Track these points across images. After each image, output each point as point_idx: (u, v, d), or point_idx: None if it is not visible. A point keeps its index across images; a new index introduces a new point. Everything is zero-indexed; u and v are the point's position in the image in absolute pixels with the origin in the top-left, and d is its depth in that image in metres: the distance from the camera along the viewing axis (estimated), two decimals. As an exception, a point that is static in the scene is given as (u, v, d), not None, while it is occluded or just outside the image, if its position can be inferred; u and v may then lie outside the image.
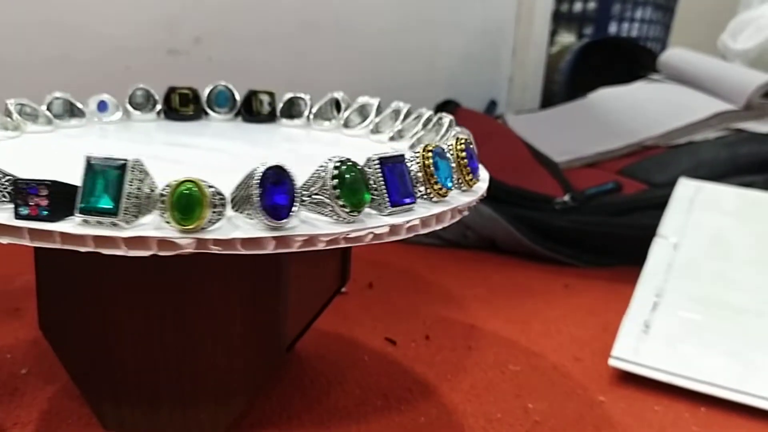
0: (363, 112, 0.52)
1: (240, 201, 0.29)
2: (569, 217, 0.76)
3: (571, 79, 1.24)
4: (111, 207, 0.28)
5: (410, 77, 1.08)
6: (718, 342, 0.53)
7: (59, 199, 0.28)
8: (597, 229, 0.75)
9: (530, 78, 1.23)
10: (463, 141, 0.37)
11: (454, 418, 0.45)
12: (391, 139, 0.49)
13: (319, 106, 0.53)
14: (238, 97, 0.53)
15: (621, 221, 0.75)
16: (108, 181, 0.28)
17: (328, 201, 0.30)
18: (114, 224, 0.28)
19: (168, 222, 0.28)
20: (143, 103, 0.51)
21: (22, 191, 0.28)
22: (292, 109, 0.54)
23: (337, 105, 0.53)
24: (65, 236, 0.28)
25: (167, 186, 0.28)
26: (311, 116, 0.53)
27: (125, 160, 0.28)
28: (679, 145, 0.88)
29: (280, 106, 0.54)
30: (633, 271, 0.63)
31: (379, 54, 1.03)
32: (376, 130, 0.50)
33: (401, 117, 0.49)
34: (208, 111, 0.53)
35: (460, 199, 0.36)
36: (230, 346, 0.38)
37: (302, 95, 0.53)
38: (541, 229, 0.76)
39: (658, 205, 0.72)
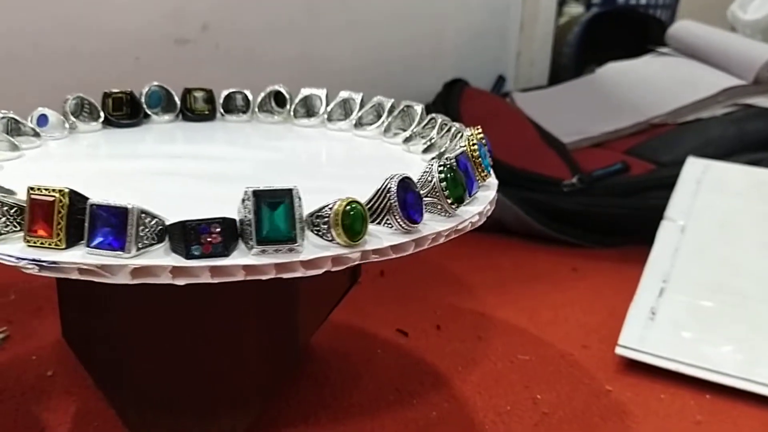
0: (308, 102, 0.53)
1: (376, 212, 0.31)
2: (577, 199, 0.77)
3: (579, 52, 1.23)
4: (291, 234, 0.29)
5: (418, 53, 1.08)
6: (724, 328, 0.54)
7: (228, 234, 0.29)
8: (605, 210, 0.76)
9: (538, 53, 1.22)
10: (479, 131, 0.40)
11: (464, 411, 0.46)
12: (355, 126, 0.51)
13: (260, 99, 0.54)
14: (177, 97, 0.53)
15: (628, 203, 0.76)
16: (279, 209, 0.29)
17: (438, 201, 0.33)
18: (291, 250, 0.29)
19: (331, 240, 0.30)
20: (77, 111, 0.49)
21: (193, 231, 0.28)
22: (230, 104, 0.54)
23: (276, 98, 0.54)
24: (249, 268, 0.29)
25: (327, 207, 0.30)
26: (256, 110, 0.54)
27: (290, 188, 0.29)
28: (686, 123, 0.88)
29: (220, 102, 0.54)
30: (641, 250, 0.64)
31: (387, 31, 1.03)
32: (330, 119, 0.52)
33: (357, 106, 0.51)
34: (149, 113, 0.52)
35: (491, 180, 0.40)
36: (246, 354, 0.39)
37: (243, 90, 0.54)
38: (549, 212, 0.77)
39: (666, 185, 0.72)
